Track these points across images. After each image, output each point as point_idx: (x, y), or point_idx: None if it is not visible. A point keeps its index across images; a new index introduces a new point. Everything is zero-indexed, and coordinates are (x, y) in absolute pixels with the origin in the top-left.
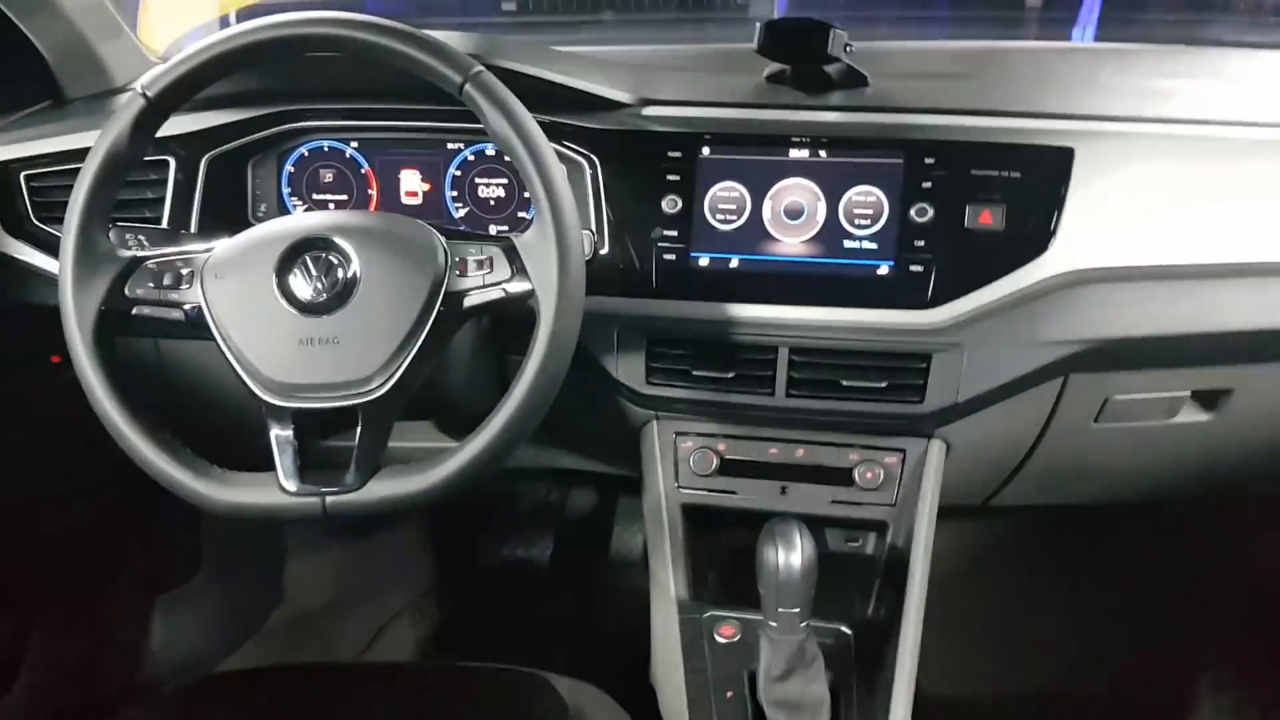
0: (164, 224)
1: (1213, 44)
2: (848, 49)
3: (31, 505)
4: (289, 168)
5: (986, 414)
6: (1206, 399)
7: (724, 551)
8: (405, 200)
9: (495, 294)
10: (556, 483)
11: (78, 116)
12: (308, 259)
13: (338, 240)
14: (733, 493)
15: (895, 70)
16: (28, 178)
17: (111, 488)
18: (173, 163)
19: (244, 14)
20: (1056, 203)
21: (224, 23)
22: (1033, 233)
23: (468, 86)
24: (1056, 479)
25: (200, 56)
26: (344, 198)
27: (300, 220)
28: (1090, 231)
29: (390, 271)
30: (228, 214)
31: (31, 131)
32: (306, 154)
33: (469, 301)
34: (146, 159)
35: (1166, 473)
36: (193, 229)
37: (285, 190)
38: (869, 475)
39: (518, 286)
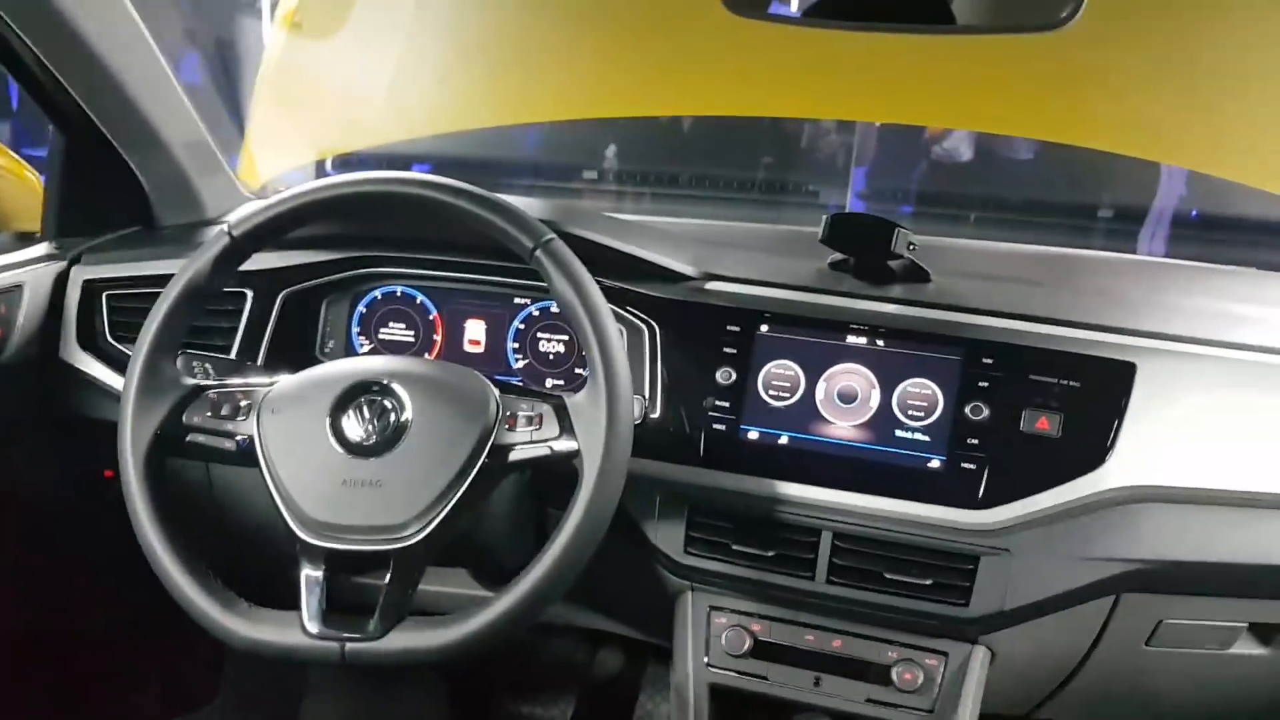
0: (234, 353)
1: None
2: (911, 247)
3: (62, 609)
4: (361, 309)
5: (1034, 625)
6: (1263, 632)
7: None
8: (468, 348)
9: (541, 450)
10: (583, 640)
11: (166, 244)
12: (363, 401)
13: (394, 385)
14: (764, 678)
15: (958, 268)
16: (109, 297)
17: (143, 604)
18: (250, 296)
19: (339, 161)
20: (1116, 416)
21: (320, 167)
22: (1090, 444)
23: (538, 252)
24: (1104, 699)
25: (288, 204)
26: (410, 340)
27: (361, 363)
28: (1149, 449)
29: (440, 419)
30: (296, 348)
31: (120, 254)
32: (379, 297)
33: (514, 456)
34: (226, 290)
35: (1222, 705)
36: (259, 360)
37: (355, 330)
38: (907, 676)
39: (564, 445)
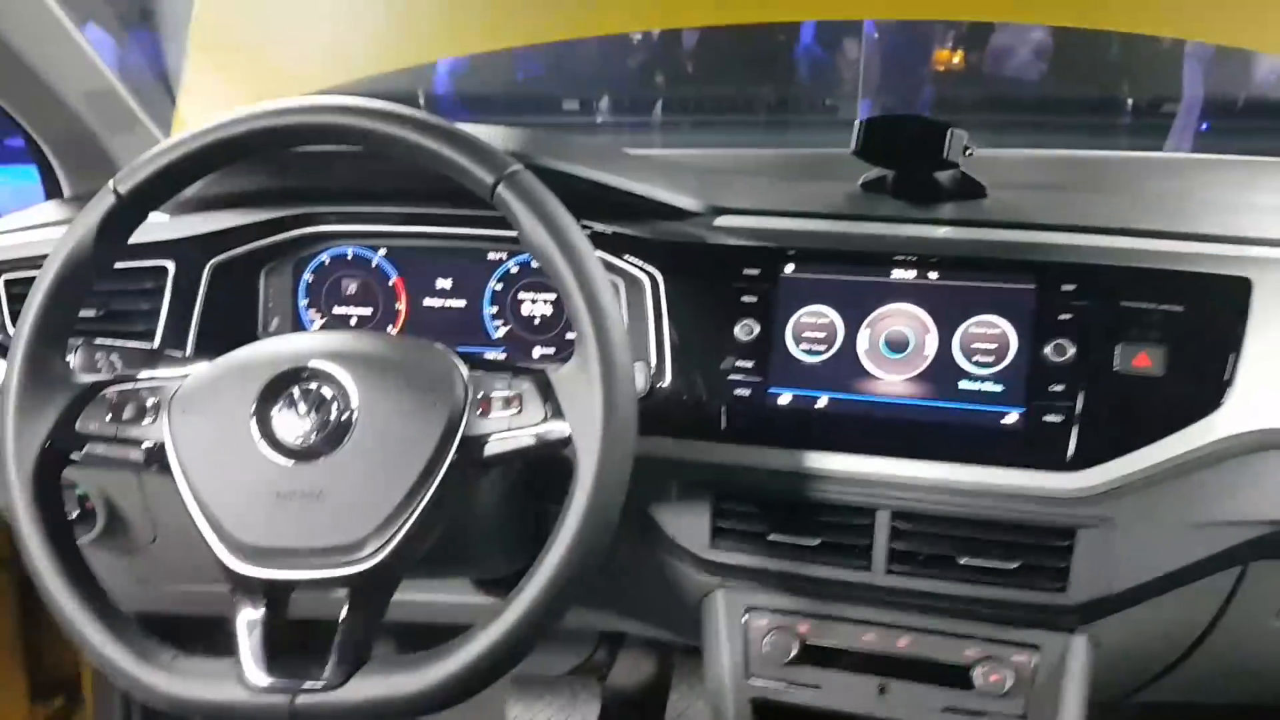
0: (157, 339)
1: None
2: (968, 152)
3: None
4: (307, 276)
5: (1146, 606)
6: None
7: None
8: (437, 317)
9: (524, 440)
10: (605, 639)
11: (71, 212)
12: (296, 392)
13: (333, 370)
14: (816, 687)
15: (1012, 180)
16: (8, 282)
17: None
18: (171, 269)
19: None
20: (1233, 346)
21: None
22: (1203, 382)
23: (500, 187)
24: (1223, 679)
25: (181, 149)
26: (368, 311)
27: (290, 343)
28: (1276, 383)
29: (394, 410)
30: (233, 330)
31: (17, 233)
32: (327, 261)
33: (491, 449)
34: (143, 264)
35: None
36: (189, 347)
37: (302, 302)
38: (994, 679)
39: (552, 431)
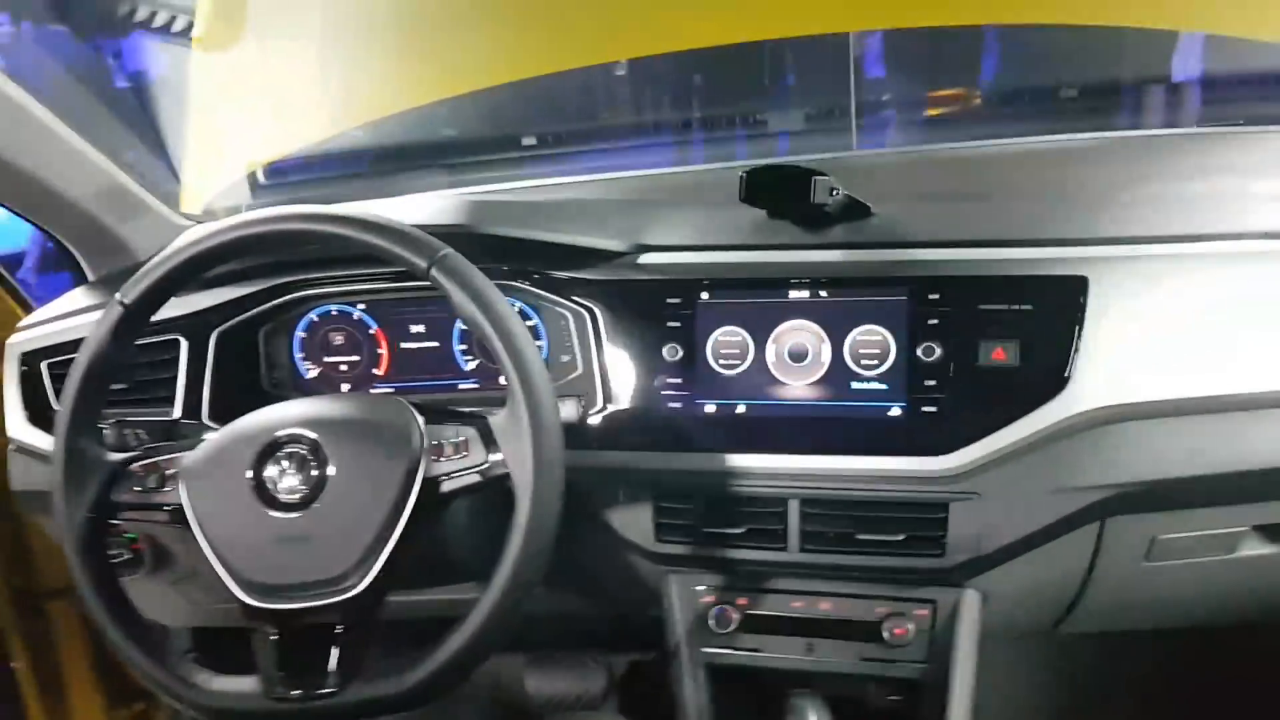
0: (178, 403)
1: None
2: (834, 193)
3: None
4: (299, 334)
5: (1022, 560)
6: (1271, 531)
7: (755, 713)
8: (415, 359)
9: (473, 477)
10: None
11: (99, 298)
12: (282, 455)
13: (309, 434)
14: (757, 650)
15: (903, 189)
16: (50, 366)
17: None
18: (184, 343)
19: (269, 170)
20: (1072, 335)
21: (253, 180)
22: (1049, 370)
23: (433, 271)
24: (1119, 611)
25: (169, 263)
26: (354, 358)
27: (274, 414)
28: (1112, 365)
29: (362, 462)
30: (242, 386)
31: (52, 321)
32: (316, 319)
33: (446, 487)
34: (156, 340)
35: (1238, 602)
36: (205, 408)
37: (298, 355)
38: (898, 631)
39: (494, 469)
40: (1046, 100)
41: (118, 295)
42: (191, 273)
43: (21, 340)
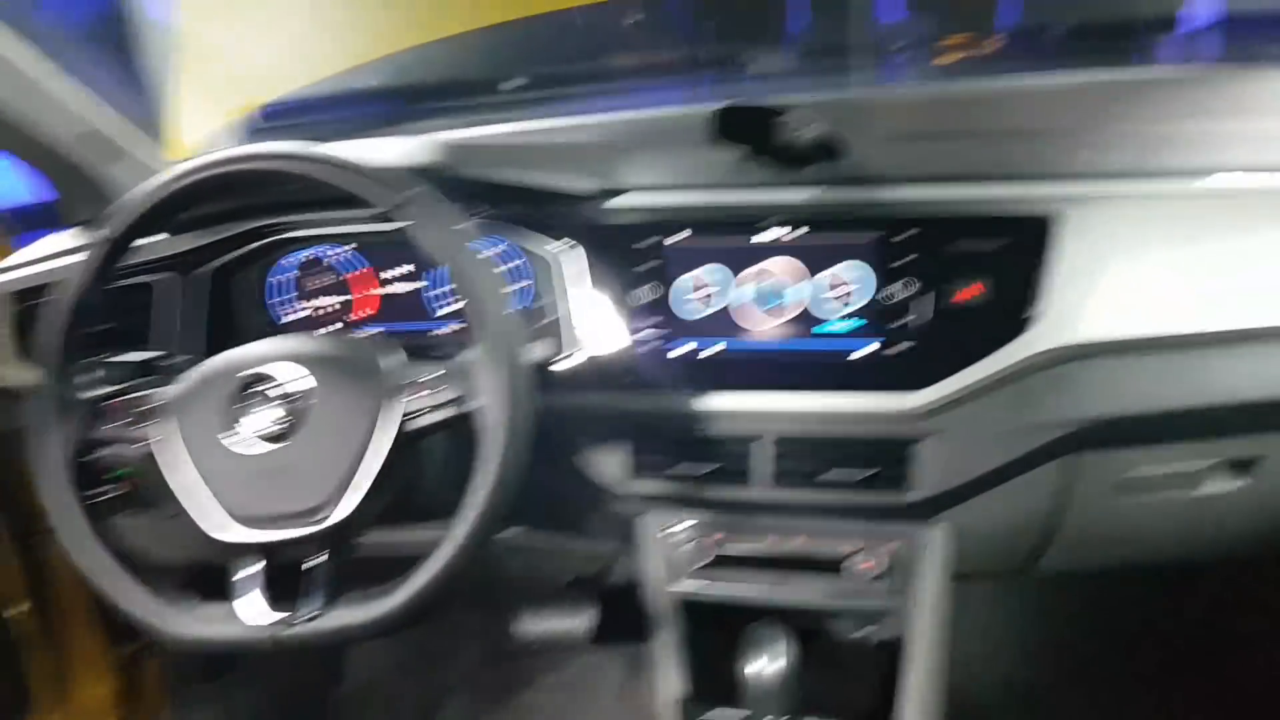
0: (156, 343)
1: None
2: (803, 130)
3: None
4: (274, 280)
5: (990, 496)
6: (1235, 466)
7: (726, 645)
8: (391, 304)
9: (446, 412)
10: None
11: (77, 240)
12: (263, 389)
13: (290, 369)
14: (729, 585)
15: (881, 131)
16: (30, 309)
17: None
18: (160, 285)
19: (268, 109)
20: (1040, 274)
21: (248, 123)
22: (1016, 308)
23: (402, 211)
24: (1091, 548)
25: (150, 199)
26: (332, 305)
27: (253, 351)
28: (1079, 303)
29: (341, 397)
30: (222, 329)
31: (38, 263)
32: (289, 264)
33: (420, 422)
34: (129, 283)
35: (1206, 538)
36: (177, 350)
37: (272, 301)
38: (865, 566)
39: (467, 405)
40: (1028, 39)
41: (104, 230)
42: (170, 208)
43: (5, 281)
